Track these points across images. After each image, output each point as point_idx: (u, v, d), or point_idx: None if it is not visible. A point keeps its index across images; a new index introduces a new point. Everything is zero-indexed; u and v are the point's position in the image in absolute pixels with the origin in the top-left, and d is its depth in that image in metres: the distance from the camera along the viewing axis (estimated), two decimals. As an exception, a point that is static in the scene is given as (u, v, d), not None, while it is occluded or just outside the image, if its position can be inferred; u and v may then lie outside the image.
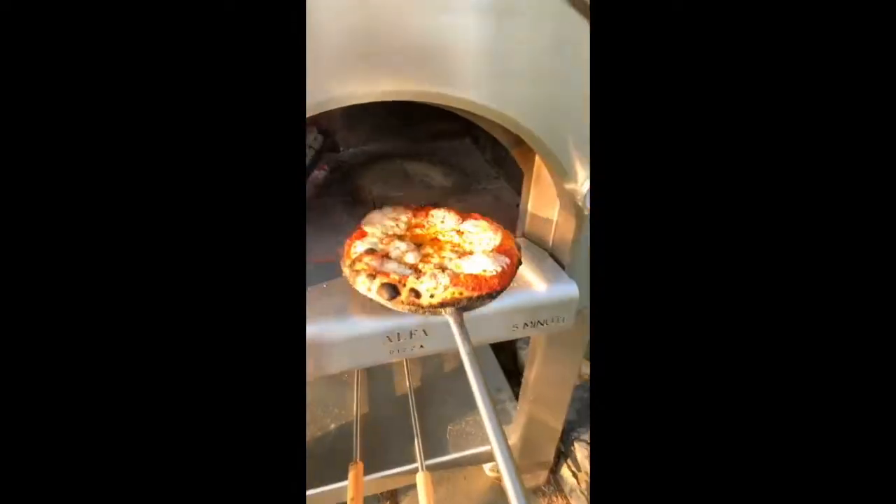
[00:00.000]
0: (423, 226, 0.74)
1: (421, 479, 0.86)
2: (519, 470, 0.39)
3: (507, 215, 0.83)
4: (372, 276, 0.59)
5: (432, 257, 0.66)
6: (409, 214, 0.75)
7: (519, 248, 0.68)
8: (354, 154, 1.30)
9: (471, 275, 0.60)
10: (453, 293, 0.59)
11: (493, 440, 0.42)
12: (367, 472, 0.93)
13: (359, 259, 0.62)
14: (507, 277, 0.62)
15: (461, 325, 0.56)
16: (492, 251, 0.66)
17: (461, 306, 0.58)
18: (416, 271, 0.62)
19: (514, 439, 1.06)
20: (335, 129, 1.29)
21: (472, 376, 0.48)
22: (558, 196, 0.70)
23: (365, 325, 0.61)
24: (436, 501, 1.12)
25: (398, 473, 0.99)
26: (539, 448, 1.10)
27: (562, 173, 0.64)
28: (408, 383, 1.11)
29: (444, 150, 1.34)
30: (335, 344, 0.60)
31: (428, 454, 0.98)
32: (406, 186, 1.12)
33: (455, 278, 0.59)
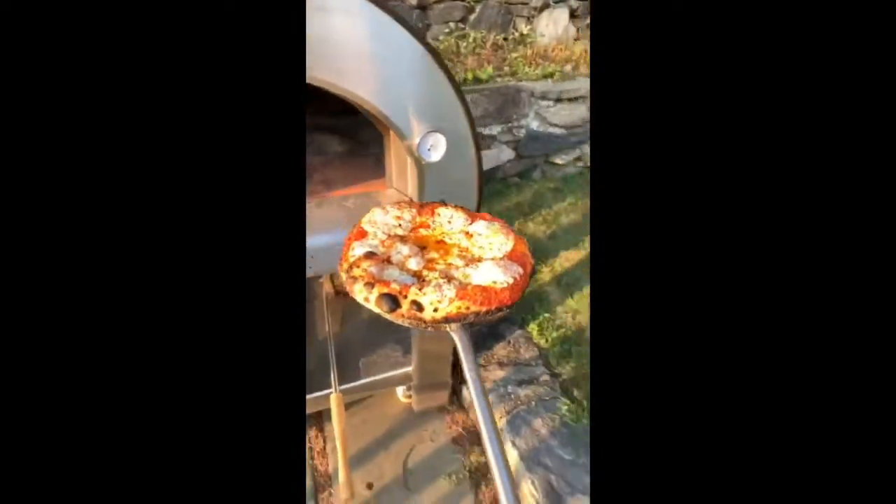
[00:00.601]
0: (429, 225, 0.67)
1: (333, 400, 1.05)
2: (517, 490, 0.40)
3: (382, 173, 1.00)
4: (370, 284, 0.53)
5: (437, 263, 0.60)
6: (414, 212, 0.68)
7: (533, 254, 0.61)
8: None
9: (479, 287, 0.53)
10: (459, 307, 0.52)
11: (494, 467, 0.41)
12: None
13: (356, 264, 0.56)
14: (518, 290, 0.55)
15: (467, 344, 0.51)
16: (503, 258, 0.59)
17: (468, 322, 0.52)
18: (420, 279, 0.56)
19: (413, 368, 1.28)
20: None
21: (476, 400, 0.46)
22: (406, 152, 0.89)
23: None
24: (355, 425, 1.34)
25: (318, 397, 1.19)
26: (435, 373, 1.33)
27: (400, 134, 0.83)
28: (327, 326, 1.27)
29: (349, 123, 1.49)
30: None
31: (344, 381, 1.17)
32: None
33: (462, 291, 0.52)
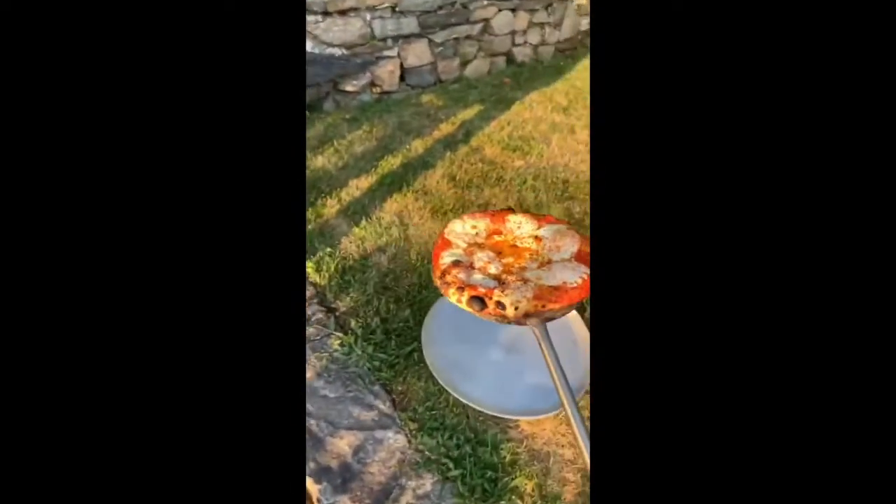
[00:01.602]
0: (501, 232, 0.77)
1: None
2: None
3: None
4: (461, 289, 0.66)
5: (513, 266, 0.71)
6: (487, 220, 0.78)
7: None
8: None
9: (552, 287, 0.64)
10: (536, 306, 0.63)
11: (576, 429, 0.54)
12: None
13: (447, 272, 0.69)
14: (587, 288, 0.65)
15: (545, 334, 0.61)
16: (570, 259, 0.69)
17: (545, 317, 0.63)
18: (500, 282, 0.67)
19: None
20: None
21: (558, 384, 0.57)
22: None
23: None
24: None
25: None
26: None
27: None
28: None
29: None
30: None
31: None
32: None
33: (538, 292, 0.63)
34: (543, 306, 0.63)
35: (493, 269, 0.70)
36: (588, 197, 1.79)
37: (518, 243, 0.76)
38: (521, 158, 2.05)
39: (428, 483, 0.90)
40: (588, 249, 0.71)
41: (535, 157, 2.06)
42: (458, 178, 1.87)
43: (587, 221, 1.64)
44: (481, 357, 1.08)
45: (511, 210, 0.79)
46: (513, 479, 0.91)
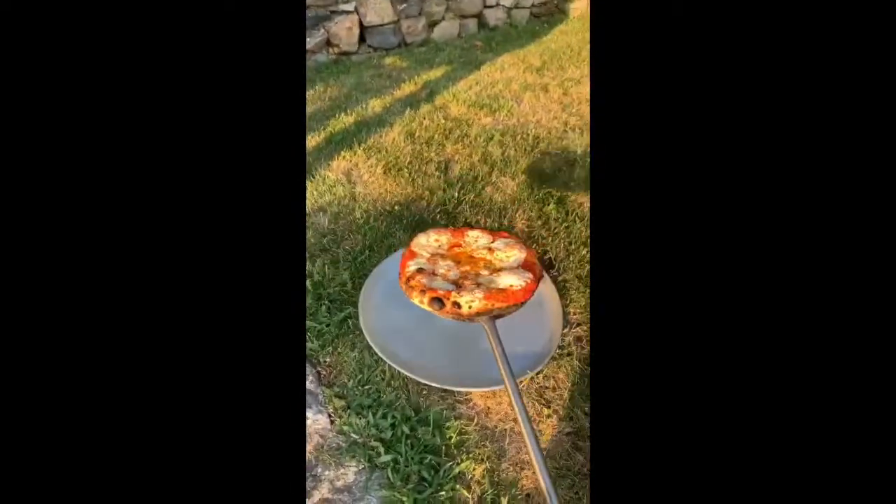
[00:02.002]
0: (461, 245, 0.91)
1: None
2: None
3: None
4: (423, 291, 0.80)
5: (469, 273, 0.85)
6: (449, 234, 0.92)
7: (541, 261, 0.88)
8: None
9: (500, 290, 0.79)
10: (486, 305, 0.78)
11: (527, 438, 0.64)
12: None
13: (412, 277, 0.82)
14: (529, 291, 0.80)
15: (494, 330, 0.75)
16: (517, 267, 0.83)
17: (493, 315, 0.78)
18: (458, 286, 0.82)
19: None
20: None
21: (506, 378, 0.70)
22: None
23: None
24: None
25: None
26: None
27: None
28: None
29: None
30: None
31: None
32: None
33: (488, 293, 0.78)
34: (493, 305, 0.77)
35: (452, 276, 0.84)
36: (562, 151, 1.62)
37: (474, 254, 0.90)
38: (489, 116, 1.87)
39: (350, 473, 0.72)
40: (534, 260, 0.85)
41: (505, 115, 1.87)
42: (417, 134, 1.67)
43: (560, 176, 1.47)
44: (428, 322, 0.91)
45: (470, 226, 0.96)
46: (458, 464, 0.73)
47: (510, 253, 0.86)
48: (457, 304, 0.78)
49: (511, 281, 0.80)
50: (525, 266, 0.84)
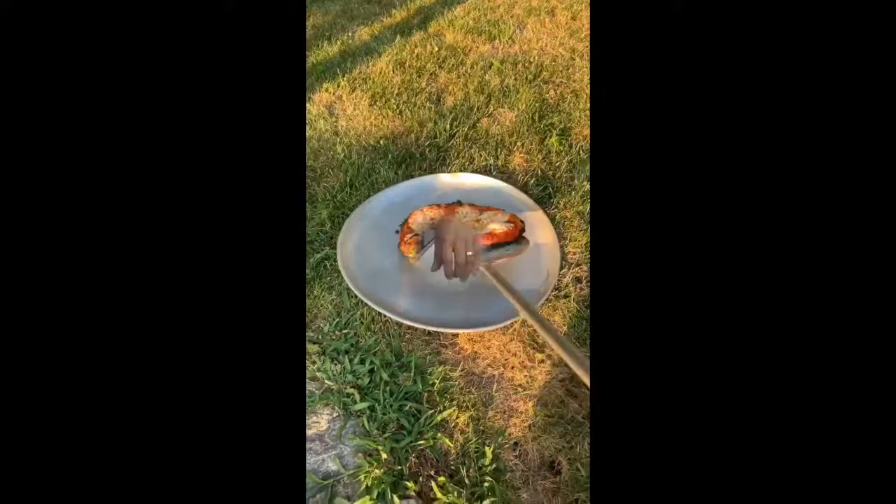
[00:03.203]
0: (452, 219, 0.93)
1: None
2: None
3: None
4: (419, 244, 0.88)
5: None
6: (441, 211, 0.93)
7: (524, 224, 0.89)
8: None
9: (486, 234, 0.84)
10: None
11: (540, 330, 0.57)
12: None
13: (409, 241, 0.88)
14: (511, 234, 0.85)
15: (495, 272, 0.75)
16: (502, 224, 0.88)
17: (490, 260, 0.82)
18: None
19: None
20: None
21: (519, 306, 0.65)
22: None
23: None
24: None
25: None
26: None
27: None
28: None
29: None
30: None
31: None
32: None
33: (475, 240, 0.84)
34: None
35: None
36: (567, 81, 1.46)
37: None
38: (488, 43, 1.69)
39: (323, 420, 0.66)
40: (516, 220, 0.88)
41: (506, 42, 1.69)
42: (407, 63, 1.52)
43: (562, 106, 1.33)
44: (413, 264, 0.83)
45: (460, 203, 0.95)
46: (440, 412, 0.67)
47: (495, 216, 0.91)
48: None
49: (494, 227, 0.86)
50: (509, 221, 0.90)
